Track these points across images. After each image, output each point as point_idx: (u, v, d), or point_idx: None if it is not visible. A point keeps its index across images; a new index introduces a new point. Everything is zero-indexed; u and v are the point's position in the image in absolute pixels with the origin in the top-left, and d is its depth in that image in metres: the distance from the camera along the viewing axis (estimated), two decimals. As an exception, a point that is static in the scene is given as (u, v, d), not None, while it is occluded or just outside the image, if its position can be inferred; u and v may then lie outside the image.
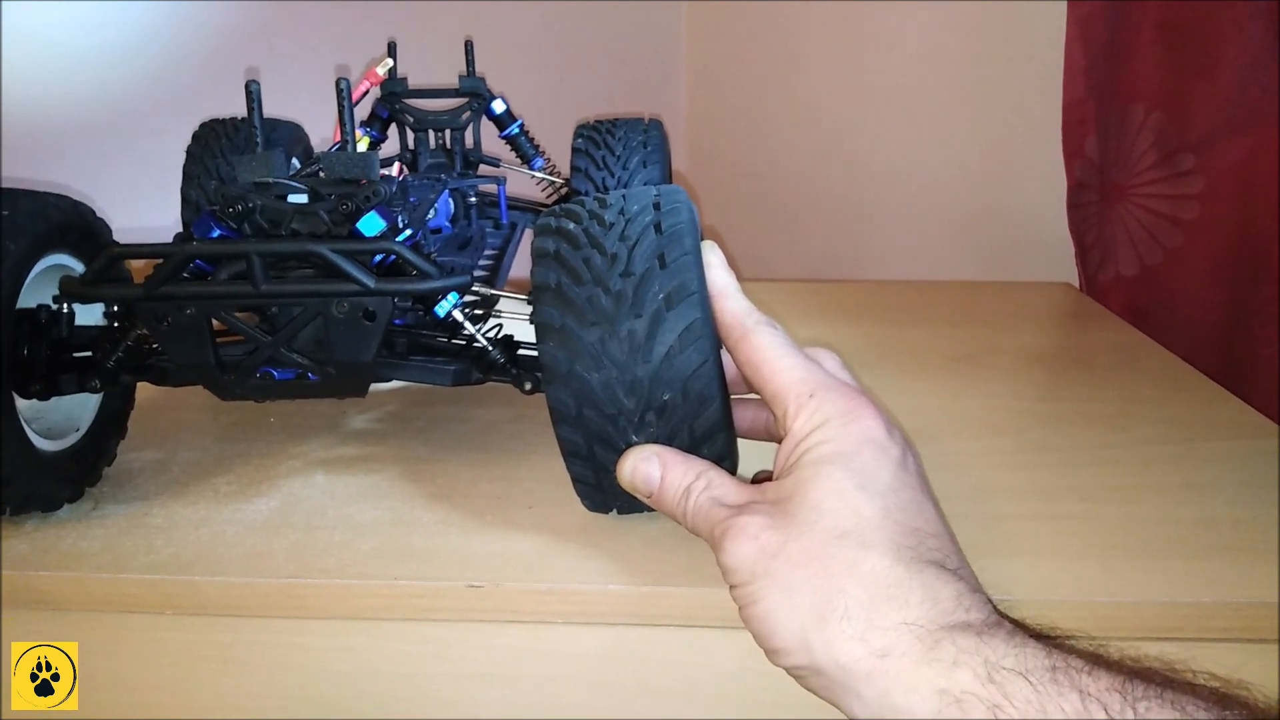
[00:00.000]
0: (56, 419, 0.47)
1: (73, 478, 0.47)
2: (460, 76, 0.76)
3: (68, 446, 0.46)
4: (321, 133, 0.91)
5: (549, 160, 0.81)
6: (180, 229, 0.76)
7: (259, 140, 0.44)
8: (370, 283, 0.40)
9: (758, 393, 0.40)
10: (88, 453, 0.48)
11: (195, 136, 0.76)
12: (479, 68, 0.78)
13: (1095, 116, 0.87)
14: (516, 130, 0.78)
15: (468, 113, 0.75)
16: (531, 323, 0.39)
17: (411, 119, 0.75)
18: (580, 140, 0.76)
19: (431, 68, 0.80)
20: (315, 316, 0.42)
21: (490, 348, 0.46)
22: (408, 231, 0.46)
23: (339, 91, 0.44)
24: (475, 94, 0.76)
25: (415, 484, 0.49)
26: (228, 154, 0.75)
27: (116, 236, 0.49)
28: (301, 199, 0.44)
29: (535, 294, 0.39)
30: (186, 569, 0.42)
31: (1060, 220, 0.92)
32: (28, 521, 0.45)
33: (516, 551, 0.43)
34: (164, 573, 0.42)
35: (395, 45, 0.75)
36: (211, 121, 0.78)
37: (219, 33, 0.94)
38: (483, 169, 0.78)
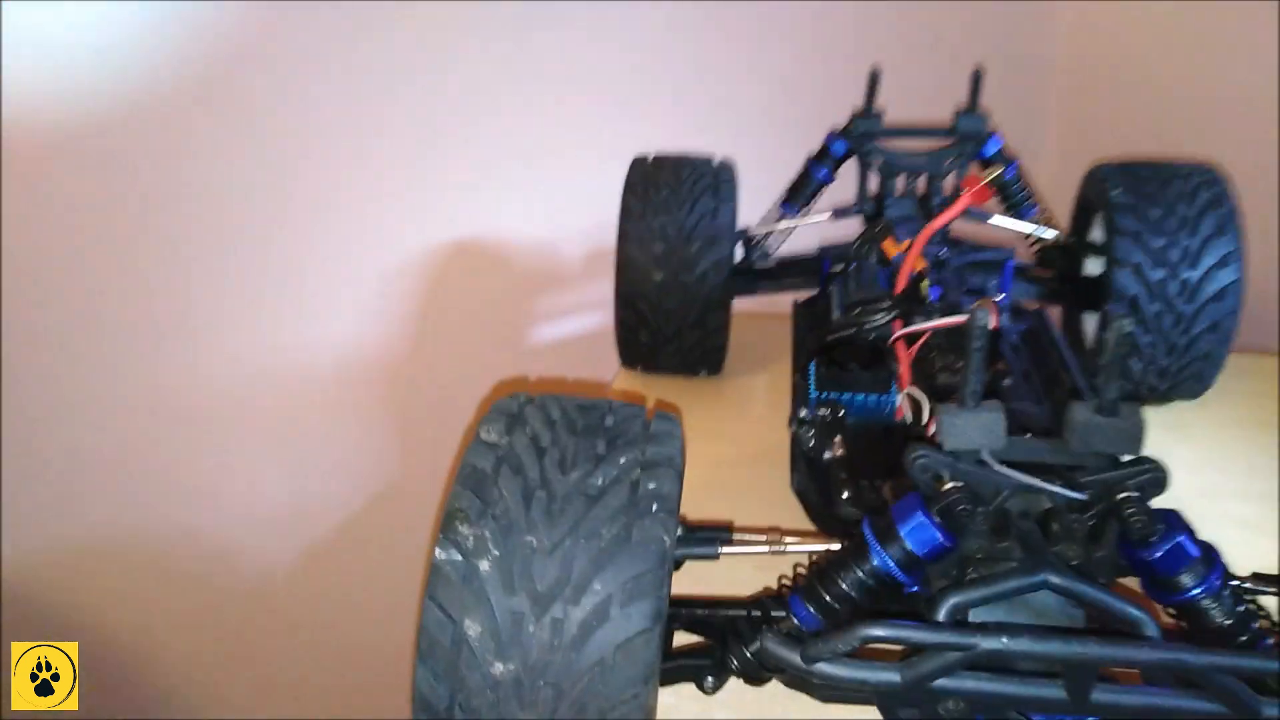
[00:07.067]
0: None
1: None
2: (958, 113, 0.62)
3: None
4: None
5: (1043, 208, 0.66)
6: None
7: (978, 389, 0.32)
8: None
9: None
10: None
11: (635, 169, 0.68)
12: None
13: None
14: (1013, 175, 0.64)
15: (954, 156, 0.61)
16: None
17: (881, 159, 0.62)
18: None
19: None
20: None
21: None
22: None
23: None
24: (973, 135, 0.61)
25: None
26: (666, 201, 0.65)
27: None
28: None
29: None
30: None
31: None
32: None
33: None
34: None
35: (878, 74, 0.62)
36: (655, 159, 0.69)
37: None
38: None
